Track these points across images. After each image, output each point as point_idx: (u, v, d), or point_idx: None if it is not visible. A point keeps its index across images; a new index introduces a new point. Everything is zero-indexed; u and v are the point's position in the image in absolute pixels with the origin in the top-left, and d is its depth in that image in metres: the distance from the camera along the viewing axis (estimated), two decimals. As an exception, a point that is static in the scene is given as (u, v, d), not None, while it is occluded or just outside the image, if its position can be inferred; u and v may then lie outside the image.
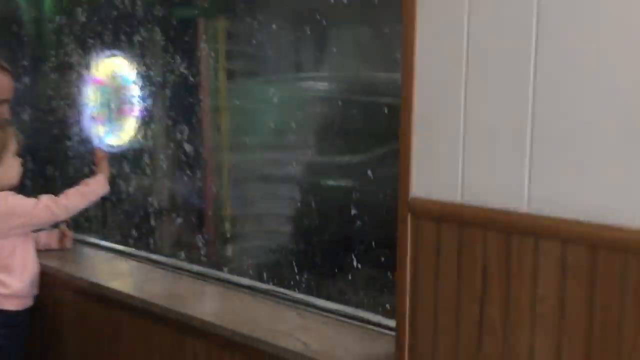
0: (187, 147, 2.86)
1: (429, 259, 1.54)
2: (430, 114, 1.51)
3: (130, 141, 3.12)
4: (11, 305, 2.44)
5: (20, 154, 2.49)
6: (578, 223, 1.31)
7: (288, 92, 2.53)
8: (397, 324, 1.63)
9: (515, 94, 1.36)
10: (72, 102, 3.41)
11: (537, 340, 1.39)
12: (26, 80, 3.54)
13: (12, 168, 2.44)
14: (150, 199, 3.08)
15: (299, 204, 2.47)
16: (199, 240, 2.82)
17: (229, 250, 2.80)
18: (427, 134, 1.52)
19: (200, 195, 2.87)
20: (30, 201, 2.44)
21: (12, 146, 2.43)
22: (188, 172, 2.88)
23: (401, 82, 1.53)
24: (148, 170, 3.05)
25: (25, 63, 3.59)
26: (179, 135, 2.89)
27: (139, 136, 3.06)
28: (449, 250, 1.50)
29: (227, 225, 2.82)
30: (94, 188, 2.61)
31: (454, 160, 1.47)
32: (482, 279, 1.46)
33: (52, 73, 3.49)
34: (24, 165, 2.53)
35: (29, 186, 3.25)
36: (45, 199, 2.47)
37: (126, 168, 3.11)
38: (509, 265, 1.41)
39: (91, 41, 3.23)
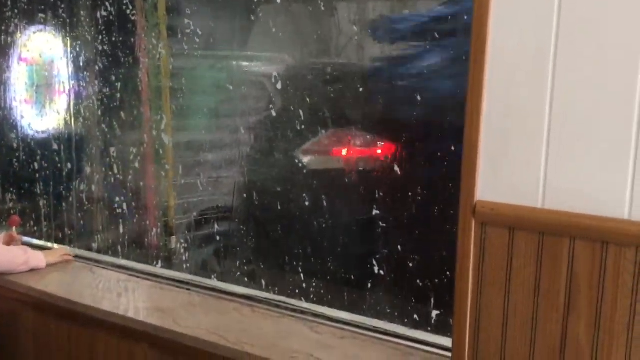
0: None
1: (498, 271, 1.35)
2: (504, 104, 1.30)
3: (61, 124, 2.87)
4: None
5: None
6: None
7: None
8: (455, 343, 1.43)
9: (621, 77, 1.17)
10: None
11: (634, 364, 1.23)
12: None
13: None
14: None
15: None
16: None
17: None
18: (499, 127, 1.31)
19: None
20: None
21: None
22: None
23: (470, 63, 1.31)
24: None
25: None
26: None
27: (72, 119, 2.83)
28: (526, 261, 1.31)
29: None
30: (31, 258, 2.32)
31: (535, 158, 1.28)
32: (567, 293, 1.28)
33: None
34: None
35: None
36: None
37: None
38: (603, 279, 1.23)
39: (16, 16, 2.91)
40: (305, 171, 2.18)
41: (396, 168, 1.91)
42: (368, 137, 2.07)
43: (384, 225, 1.94)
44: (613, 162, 1.20)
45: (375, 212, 1.96)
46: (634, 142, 1.17)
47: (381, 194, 1.94)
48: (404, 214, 1.90)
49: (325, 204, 2.09)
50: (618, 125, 1.18)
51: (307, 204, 2.11)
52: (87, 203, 2.83)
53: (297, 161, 2.21)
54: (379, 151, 2.00)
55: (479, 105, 1.32)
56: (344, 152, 2.12)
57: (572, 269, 1.26)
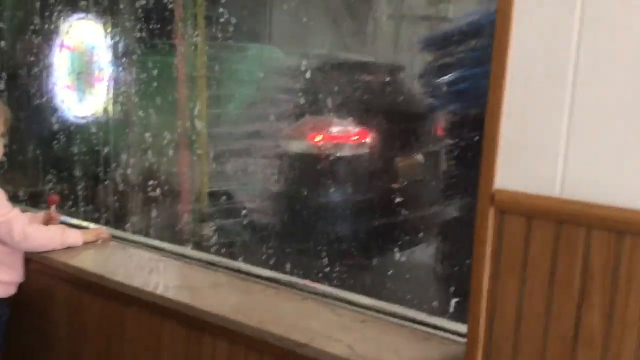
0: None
1: (514, 258, 1.37)
2: (524, 94, 1.31)
3: (100, 111, 2.97)
4: None
5: (9, 134, 2.25)
6: None
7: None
8: (470, 329, 1.45)
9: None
10: (42, 70, 3.20)
11: (646, 354, 1.24)
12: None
13: None
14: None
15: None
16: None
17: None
18: (520, 117, 1.33)
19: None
20: (4, 207, 2.22)
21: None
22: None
23: (493, 50, 1.33)
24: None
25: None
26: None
27: (112, 106, 2.92)
28: (542, 250, 1.33)
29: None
30: (67, 237, 2.40)
31: (554, 148, 1.29)
32: (582, 283, 1.29)
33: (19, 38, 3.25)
34: (7, 146, 2.28)
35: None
36: (16, 215, 2.24)
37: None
38: (618, 269, 1.25)
39: (59, 3, 3.01)
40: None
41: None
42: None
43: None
44: (632, 154, 1.21)
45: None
46: (654, 131, 1.18)
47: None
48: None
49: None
50: (638, 116, 1.19)
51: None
52: (123, 185, 2.92)
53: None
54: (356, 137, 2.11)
55: (501, 95, 1.34)
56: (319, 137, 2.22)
57: (587, 258, 1.27)
